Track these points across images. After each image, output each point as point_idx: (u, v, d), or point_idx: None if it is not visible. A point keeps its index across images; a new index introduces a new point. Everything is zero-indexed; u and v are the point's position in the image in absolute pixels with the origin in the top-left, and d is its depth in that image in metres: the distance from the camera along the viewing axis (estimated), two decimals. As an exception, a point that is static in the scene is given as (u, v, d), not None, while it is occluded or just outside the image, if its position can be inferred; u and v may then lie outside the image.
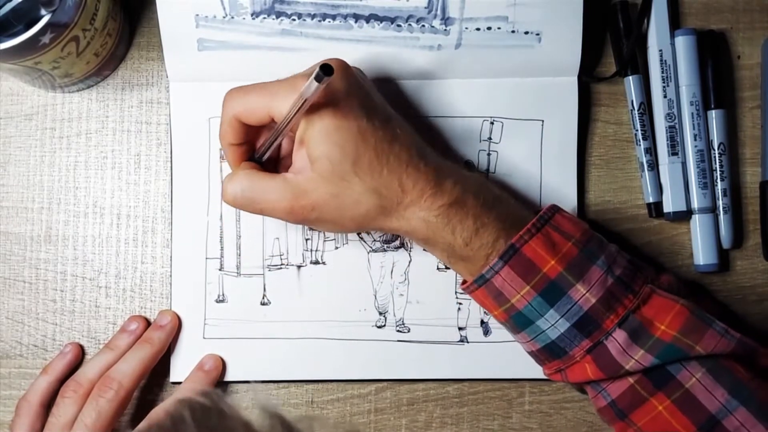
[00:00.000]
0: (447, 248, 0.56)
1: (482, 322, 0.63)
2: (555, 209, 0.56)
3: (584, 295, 0.54)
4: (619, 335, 0.55)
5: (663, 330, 0.55)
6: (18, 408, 0.60)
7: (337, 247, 0.64)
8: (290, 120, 0.53)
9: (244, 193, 0.56)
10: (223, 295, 0.63)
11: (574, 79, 0.64)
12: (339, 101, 0.54)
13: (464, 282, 0.58)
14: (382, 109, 0.57)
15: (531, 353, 0.58)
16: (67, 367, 0.62)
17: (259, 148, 0.58)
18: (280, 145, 0.59)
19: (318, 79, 0.48)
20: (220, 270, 0.63)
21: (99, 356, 0.61)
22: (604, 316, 0.55)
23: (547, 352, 0.56)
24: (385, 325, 0.63)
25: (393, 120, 0.57)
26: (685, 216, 0.64)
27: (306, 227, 0.63)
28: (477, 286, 0.56)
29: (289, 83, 0.54)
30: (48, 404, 0.60)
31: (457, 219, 0.55)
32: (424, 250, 0.61)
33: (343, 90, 0.54)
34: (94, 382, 0.59)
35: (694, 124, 0.63)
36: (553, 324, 0.55)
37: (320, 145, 0.54)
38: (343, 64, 0.56)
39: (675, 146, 0.63)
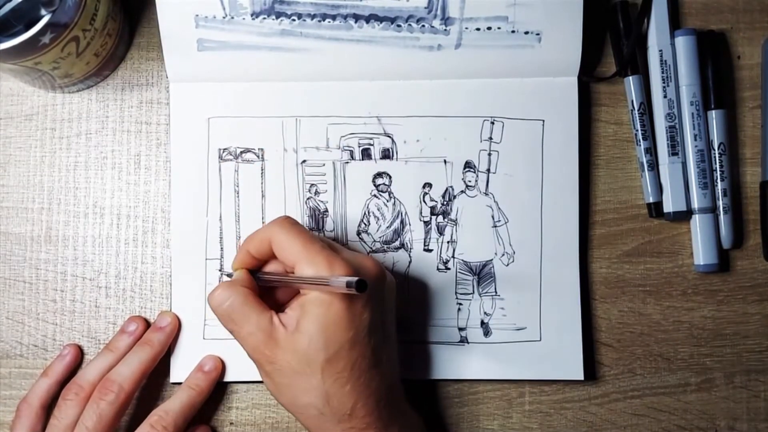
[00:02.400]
0: None
1: (482, 322, 0.63)
2: None
3: None
4: None
5: None
6: (18, 410, 0.60)
7: (337, 248, 0.64)
8: (304, 286, 0.54)
9: (229, 307, 0.55)
10: (223, 295, 0.63)
11: (574, 79, 0.64)
12: (355, 304, 0.53)
13: None
14: (385, 330, 0.56)
15: None
16: (66, 369, 0.62)
17: (265, 274, 0.58)
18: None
19: (349, 286, 0.48)
20: (220, 270, 0.63)
21: (99, 358, 0.61)
22: None
23: None
24: (385, 326, 0.63)
25: (387, 346, 0.57)
26: (685, 216, 0.64)
27: (306, 227, 0.63)
28: None
29: (325, 260, 0.53)
30: (48, 406, 0.61)
31: None
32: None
33: (365, 299, 0.53)
34: (95, 384, 0.59)
35: (694, 124, 0.63)
36: None
37: (312, 324, 0.53)
38: (380, 275, 0.55)
39: (675, 146, 0.63)
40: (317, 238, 0.55)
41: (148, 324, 0.63)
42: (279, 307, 0.56)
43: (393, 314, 0.58)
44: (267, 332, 0.54)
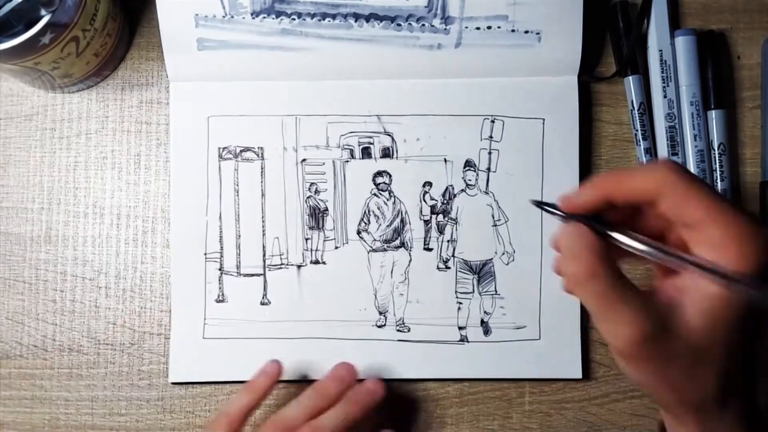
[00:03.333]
0: None
1: (482, 321, 0.63)
2: None
3: None
4: None
5: None
6: (217, 420, 0.59)
7: (337, 247, 0.64)
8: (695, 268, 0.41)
9: (598, 290, 0.42)
10: (222, 294, 0.63)
11: (575, 79, 0.64)
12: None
13: None
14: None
15: None
16: (270, 386, 0.61)
17: (629, 232, 0.44)
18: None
19: None
20: (219, 270, 0.63)
21: (306, 398, 0.59)
22: None
23: None
24: (385, 325, 0.63)
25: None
26: (685, 216, 0.64)
27: (306, 226, 0.63)
28: None
29: (739, 221, 0.41)
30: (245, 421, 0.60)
31: None
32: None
33: None
34: (299, 426, 0.58)
35: (694, 124, 0.63)
36: None
37: (706, 320, 0.41)
38: None
39: (675, 146, 0.63)
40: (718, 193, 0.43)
41: (354, 373, 0.61)
42: None
43: None
44: (651, 312, 0.42)
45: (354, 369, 0.61)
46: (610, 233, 0.43)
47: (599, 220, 0.44)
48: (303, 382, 0.63)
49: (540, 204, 0.47)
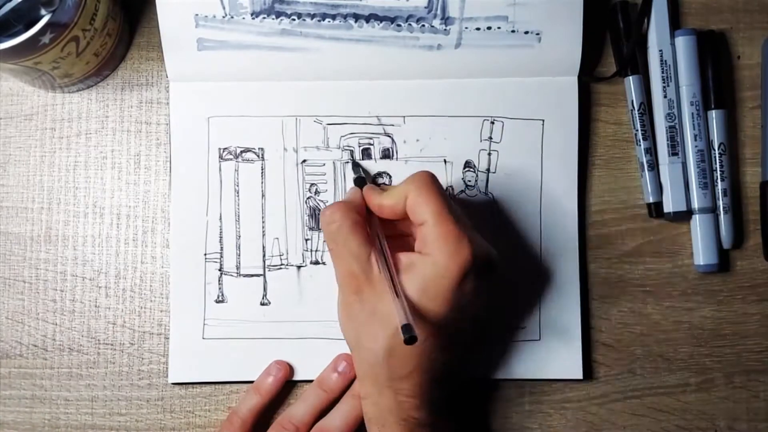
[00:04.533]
0: (379, 413, 0.56)
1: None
2: None
3: None
4: None
5: None
6: (229, 420, 0.61)
7: (337, 247, 0.64)
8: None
9: (337, 229, 0.55)
10: (222, 295, 0.63)
11: (574, 79, 0.64)
12: (465, 284, 0.53)
13: None
14: (471, 324, 0.58)
15: None
16: (277, 388, 0.62)
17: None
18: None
19: (403, 329, 0.49)
20: (219, 270, 0.63)
21: (310, 396, 0.61)
22: None
23: None
24: (385, 325, 0.63)
25: (463, 339, 0.58)
26: (685, 216, 0.64)
27: (306, 226, 0.63)
28: None
29: (453, 234, 0.53)
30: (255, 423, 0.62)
31: (411, 410, 0.55)
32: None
33: (474, 284, 0.54)
34: (308, 425, 0.60)
35: (694, 124, 0.63)
36: None
37: (414, 282, 0.53)
38: (498, 265, 0.56)
39: (675, 146, 0.63)
40: (452, 206, 0.55)
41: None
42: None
43: (480, 317, 0.58)
44: (362, 266, 0.54)
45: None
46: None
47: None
48: (302, 382, 0.63)
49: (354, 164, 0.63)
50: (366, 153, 0.64)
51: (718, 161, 0.64)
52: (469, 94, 0.64)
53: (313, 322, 0.63)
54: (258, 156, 0.64)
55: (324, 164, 0.64)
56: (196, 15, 0.62)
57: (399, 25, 0.62)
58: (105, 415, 0.63)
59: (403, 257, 0.55)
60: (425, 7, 0.62)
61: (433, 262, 0.53)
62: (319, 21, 0.62)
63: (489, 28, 0.62)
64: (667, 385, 0.64)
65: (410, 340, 0.49)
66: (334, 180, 0.64)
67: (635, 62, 0.64)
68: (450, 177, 0.64)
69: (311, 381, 0.63)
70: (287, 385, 0.63)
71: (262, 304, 0.63)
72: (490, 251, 0.55)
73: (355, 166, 0.63)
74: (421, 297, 0.53)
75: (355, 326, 0.56)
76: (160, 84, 0.65)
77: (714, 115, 0.64)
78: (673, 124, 0.64)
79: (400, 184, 0.56)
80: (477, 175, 0.64)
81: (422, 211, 0.54)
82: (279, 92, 0.64)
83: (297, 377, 0.63)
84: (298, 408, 0.61)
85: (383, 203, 0.56)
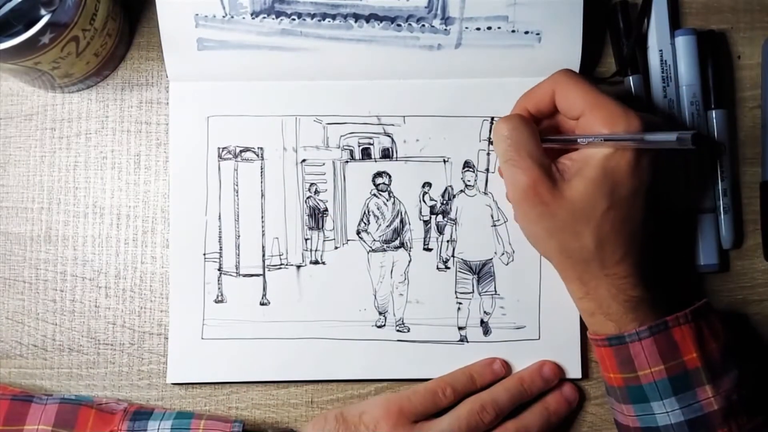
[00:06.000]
0: (599, 304, 0.57)
1: (482, 321, 0.63)
2: (710, 307, 0.57)
3: (710, 398, 0.55)
4: None
5: None
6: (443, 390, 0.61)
7: (336, 247, 0.64)
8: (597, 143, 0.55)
9: (517, 136, 0.56)
10: (221, 295, 0.63)
11: (574, 79, 0.64)
12: (643, 158, 0.55)
13: (594, 334, 0.58)
14: (652, 194, 0.58)
15: (623, 426, 0.59)
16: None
17: (546, 136, 0.58)
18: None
19: (681, 140, 0.49)
20: (218, 270, 0.63)
21: (514, 388, 0.61)
22: (719, 426, 0.55)
23: None
24: (384, 325, 0.63)
25: (649, 211, 0.57)
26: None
27: (306, 226, 0.63)
28: (609, 344, 0.56)
29: (620, 110, 0.55)
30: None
31: (629, 290, 0.56)
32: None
33: (651, 155, 0.55)
34: (505, 409, 0.61)
35: (694, 124, 0.63)
36: (668, 411, 0.55)
37: (597, 171, 0.55)
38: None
39: (675, 146, 0.63)
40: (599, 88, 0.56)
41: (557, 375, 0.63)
42: None
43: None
44: (548, 172, 0.55)
45: (557, 372, 0.63)
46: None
47: None
48: (302, 382, 0.63)
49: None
50: (366, 153, 0.64)
51: (718, 161, 0.64)
52: (469, 94, 0.64)
53: (312, 322, 0.63)
54: (257, 155, 0.64)
55: (323, 164, 0.64)
56: (196, 15, 0.62)
57: (399, 25, 0.62)
58: (105, 415, 0.63)
59: (574, 155, 0.56)
60: (425, 7, 0.62)
61: (606, 151, 0.54)
62: (319, 21, 0.62)
63: (489, 28, 0.62)
64: (668, 386, 0.64)
65: (696, 138, 0.49)
66: (334, 179, 0.64)
67: (635, 62, 0.64)
68: (449, 177, 0.64)
69: (311, 381, 0.63)
70: (284, 386, 0.63)
71: (262, 304, 0.63)
72: (654, 118, 0.57)
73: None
74: (608, 180, 0.54)
75: (554, 233, 0.56)
76: (160, 84, 0.65)
77: (714, 115, 0.64)
78: (673, 124, 0.64)
79: (540, 84, 0.58)
80: (477, 175, 0.64)
81: (576, 104, 0.56)
82: (279, 92, 0.64)
83: (297, 377, 0.63)
84: (501, 394, 0.61)
85: (533, 94, 0.58)
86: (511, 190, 0.57)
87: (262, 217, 0.64)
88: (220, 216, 0.64)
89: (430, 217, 0.64)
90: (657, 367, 0.55)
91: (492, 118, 0.64)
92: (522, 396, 0.61)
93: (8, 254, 0.64)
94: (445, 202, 0.64)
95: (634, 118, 0.54)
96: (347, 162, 0.64)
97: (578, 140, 0.56)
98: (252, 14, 0.62)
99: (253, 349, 0.63)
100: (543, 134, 0.58)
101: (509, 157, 0.56)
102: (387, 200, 0.64)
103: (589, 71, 0.65)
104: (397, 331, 0.63)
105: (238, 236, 0.64)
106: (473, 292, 0.64)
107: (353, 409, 0.60)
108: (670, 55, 0.64)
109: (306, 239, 0.64)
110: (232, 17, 0.62)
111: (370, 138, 0.64)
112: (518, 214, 0.58)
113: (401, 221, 0.64)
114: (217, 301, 0.63)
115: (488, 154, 0.64)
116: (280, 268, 0.64)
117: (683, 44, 0.64)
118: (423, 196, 0.64)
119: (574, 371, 0.63)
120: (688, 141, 0.49)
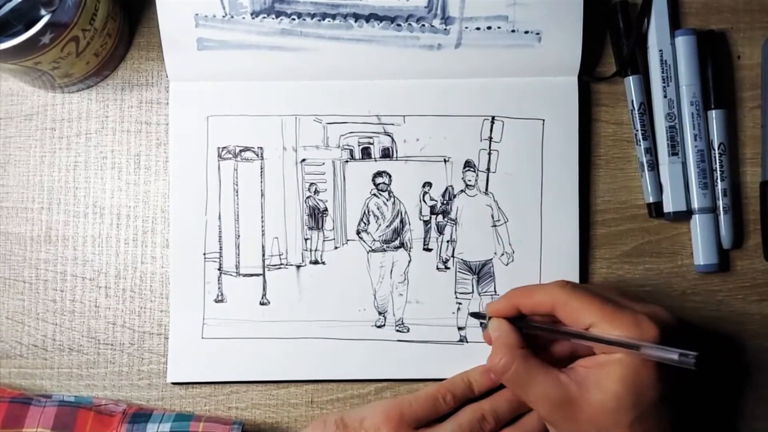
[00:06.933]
0: None
1: (482, 322, 0.63)
2: None
3: None
4: None
5: None
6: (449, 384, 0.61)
7: (336, 247, 0.64)
8: (597, 343, 0.54)
9: (515, 374, 0.55)
10: (221, 294, 0.63)
11: (575, 79, 0.64)
12: (664, 365, 0.53)
13: None
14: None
15: None
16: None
17: (531, 323, 0.58)
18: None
19: (683, 361, 0.49)
20: (218, 270, 0.63)
21: (511, 399, 0.60)
22: None
23: None
24: (384, 325, 0.63)
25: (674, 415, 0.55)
26: (685, 216, 0.64)
27: (306, 226, 0.63)
28: None
29: (630, 319, 0.53)
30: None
31: None
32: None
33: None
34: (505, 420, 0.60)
35: (694, 124, 0.63)
36: None
37: (619, 384, 0.53)
38: (676, 325, 0.55)
39: (675, 146, 0.63)
40: (603, 294, 0.55)
41: None
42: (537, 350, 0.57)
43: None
44: (561, 392, 0.54)
45: None
46: (524, 323, 0.58)
47: (520, 318, 0.58)
48: (301, 382, 0.63)
49: (475, 315, 0.63)
50: (366, 152, 0.64)
51: (718, 161, 0.64)
52: (469, 94, 0.64)
53: (312, 321, 0.63)
54: (257, 155, 0.64)
55: (323, 163, 0.64)
56: (196, 15, 0.62)
57: (399, 25, 0.62)
58: (105, 415, 0.63)
59: (588, 362, 0.55)
60: (425, 7, 0.62)
61: (624, 357, 0.53)
62: (319, 21, 0.62)
63: (489, 27, 0.62)
64: (668, 386, 0.64)
65: (700, 361, 0.49)
66: (334, 179, 0.64)
67: (635, 62, 0.64)
68: (450, 176, 0.64)
69: (311, 381, 0.63)
70: (284, 386, 0.63)
71: (262, 303, 0.63)
72: (669, 318, 0.55)
73: (474, 315, 0.63)
74: (631, 392, 0.52)
75: None
76: (160, 84, 0.65)
77: (714, 115, 0.64)
78: (673, 124, 0.63)
79: (536, 292, 0.57)
80: (477, 175, 0.64)
81: (584, 318, 0.54)
82: (279, 92, 0.64)
83: (297, 377, 0.63)
84: (503, 407, 0.60)
85: (527, 301, 0.57)
86: (537, 413, 0.57)
87: (261, 216, 0.64)
88: (220, 216, 0.64)
89: (430, 217, 0.64)
90: None
91: (492, 118, 0.64)
92: (522, 408, 0.60)
93: (8, 254, 0.64)
94: (445, 202, 0.64)
95: (647, 326, 0.52)
96: (347, 162, 0.64)
97: (571, 339, 0.56)
98: (252, 14, 0.62)
99: (253, 349, 0.63)
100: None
101: (520, 394, 0.56)
102: (387, 200, 0.64)
103: (589, 71, 0.65)
104: (397, 331, 0.63)
105: (238, 236, 0.64)
106: (473, 292, 0.64)
107: (353, 414, 0.60)
108: (670, 55, 0.64)
109: (306, 239, 0.64)
110: (232, 17, 0.62)
111: (370, 137, 0.64)
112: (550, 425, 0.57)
113: (401, 221, 0.64)
114: (217, 301, 0.63)
115: (489, 153, 0.64)
116: (280, 267, 0.64)
117: (683, 44, 0.64)
118: (423, 196, 0.64)
119: (574, 371, 0.63)
120: (690, 363, 0.49)
